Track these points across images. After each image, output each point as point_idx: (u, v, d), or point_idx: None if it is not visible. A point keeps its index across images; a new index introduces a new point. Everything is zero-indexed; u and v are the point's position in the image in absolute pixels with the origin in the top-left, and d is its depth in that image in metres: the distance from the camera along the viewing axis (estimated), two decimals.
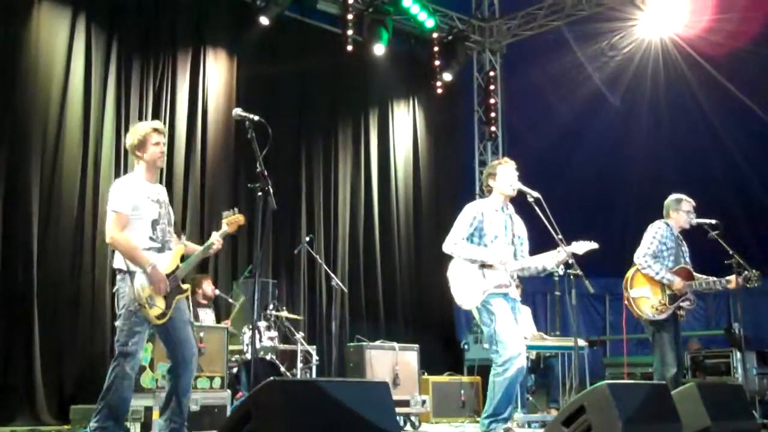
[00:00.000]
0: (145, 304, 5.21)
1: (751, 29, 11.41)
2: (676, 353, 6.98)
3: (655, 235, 7.14)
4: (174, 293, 5.40)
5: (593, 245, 6.00)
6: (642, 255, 7.07)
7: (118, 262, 5.36)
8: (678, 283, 6.94)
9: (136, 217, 5.36)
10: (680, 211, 7.22)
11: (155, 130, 5.53)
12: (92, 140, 9.00)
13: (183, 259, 5.60)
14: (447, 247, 6.11)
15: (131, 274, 5.27)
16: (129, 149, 5.57)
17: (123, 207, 5.32)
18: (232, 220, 5.69)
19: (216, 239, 5.61)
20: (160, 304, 5.29)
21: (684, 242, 7.33)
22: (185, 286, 5.56)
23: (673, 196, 7.33)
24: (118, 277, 5.37)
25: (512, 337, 5.84)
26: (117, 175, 9.09)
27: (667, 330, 6.98)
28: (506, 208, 6.26)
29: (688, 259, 7.25)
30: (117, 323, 5.33)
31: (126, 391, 5.23)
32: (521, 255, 6.20)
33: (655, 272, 6.99)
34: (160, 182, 9.22)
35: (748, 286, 7.07)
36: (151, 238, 5.39)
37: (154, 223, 5.42)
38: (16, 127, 8.51)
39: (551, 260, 6.03)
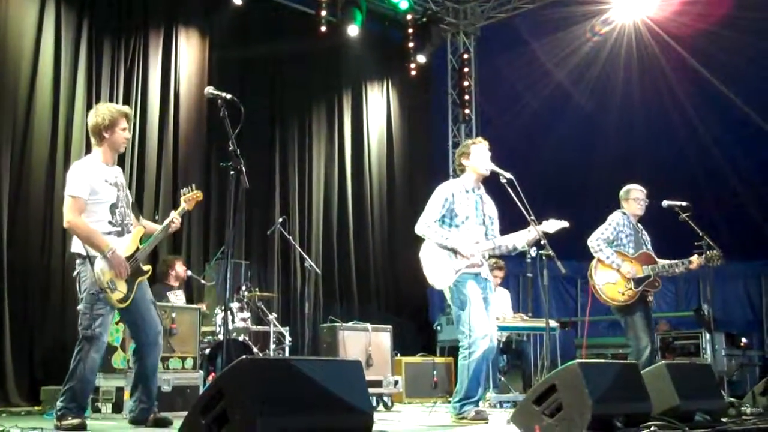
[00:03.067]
0: (106, 288, 5.22)
1: (719, 11, 11.50)
2: (650, 335, 7.09)
3: (611, 222, 7.34)
4: (135, 275, 5.41)
5: (564, 223, 6.07)
6: (595, 239, 7.25)
7: (77, 246, 5.35)
8: (625, 267, 7.06)
9: (95, 201, 5.33)
10: (629, 199, 7.45)
11: (126, 115, 5.49)
12: (62, 121, 8.89)
13: (143, 240, 5.59)
14: (419, 229, 6.15)
15: (91, 258, 5.25)
16: (92, 129, 5.46)
17: (80, 191, 5.27)
18: (190, 197, 5.69)
19: (174, 218, 5.62)
20: (121, 288, 5.30)
21: (644, 230, 7.49)
22: (146, 268, 5.56)
23: (624, 187, 7.53)
24: (78, 261, 5.36)
25: (479, 320, 5.91)
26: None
27: (637, 313, 7.09)
28: (477, 189, 6.29)
29: (649, 246, 7.40)
30: (79, 307, 5.32)
31: (90, 374, 5.26)
32: (492, 235, 6.25)
33: (605, 256, 7.16)
34: (134, 161, 9.32)
35: (710, 265, 7.20)
36: (110, 223, 5.38)
37: (113, 207, 5.40)
38: None
39: (522, 239, 6.11)
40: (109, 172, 5.45)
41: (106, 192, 5.36)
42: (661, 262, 7.22)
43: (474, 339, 5.87)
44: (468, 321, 5.90)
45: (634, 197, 7.40)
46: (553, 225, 6.07)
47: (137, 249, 5.46)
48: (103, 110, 5.47)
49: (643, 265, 7.14)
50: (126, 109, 5.59)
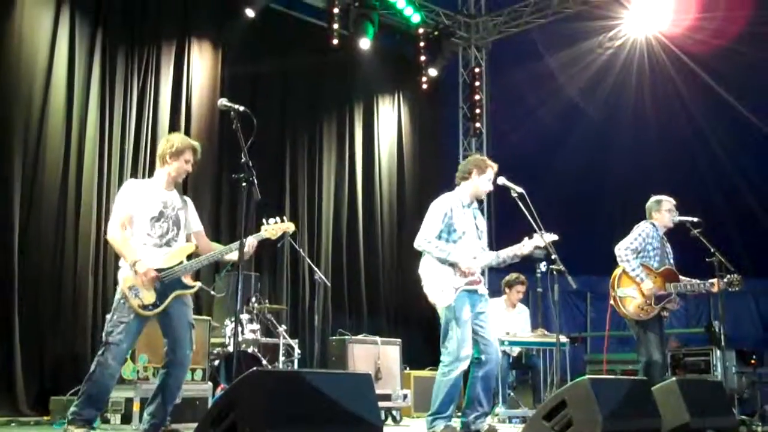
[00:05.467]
0: (126, 294, 5.30)
1: (734, 27, 11.49)
2: (662, 351, 7.06)
3: (641, 233, 7.20)
4: (170, 288, 5.45)
5: (554, 237, 6.08)
6: (624, 248, 7.12)
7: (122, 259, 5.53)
8: (647, 284, 6.99)
9: (137, 213, 5.48)
10: (662, 210, 7.31)
11: (194, 149, 5.67)
12: (75, 131, 8.92)
13: (191, 257, 5.64)
14: (419, 244, 6.19)
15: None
16: (159, 153, 5.67)
17: (124, 206, 5.47)
18: (275, 228, 5.77)
19: (249, 242, 5.69)
20: (146, 296, 5.34)
21: (668, 243, 7.39)
22: (191, 283, 5.59)
23: (653, 198, 7.43)
24: None
25: (466, 342, 5.89)
26: (100, 165, 9.07)
27: (653, 329, 7.03)
28: (472, 204, 6.34)
29: (672, 260, 7.32)
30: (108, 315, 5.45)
31: (106, 379, 5.30)
32: (482, 248, 6.27)
33: (631, 268, 7.05)
34: (145, 171, 9.34)
35: (729, 289, 7.15)
36: (148, 234, 5.49)
37: (153, 220, 5.51)
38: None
39: (516, 252, 6.11)
40: (161, 193, 5.60)
41: (149, 205, 5.50)
42: (684, 280, 7.17)
43: (457, 357, 5.85)
44: (456, 340, 5.87)
45: (667, 209, 7.29)
46: (543, 238, 6.07)
47: (180, 263, 5.50)
48: (174, 138, 5.69)
49: (666, 282, 7.08)
50: (195, 144, 5.73)
